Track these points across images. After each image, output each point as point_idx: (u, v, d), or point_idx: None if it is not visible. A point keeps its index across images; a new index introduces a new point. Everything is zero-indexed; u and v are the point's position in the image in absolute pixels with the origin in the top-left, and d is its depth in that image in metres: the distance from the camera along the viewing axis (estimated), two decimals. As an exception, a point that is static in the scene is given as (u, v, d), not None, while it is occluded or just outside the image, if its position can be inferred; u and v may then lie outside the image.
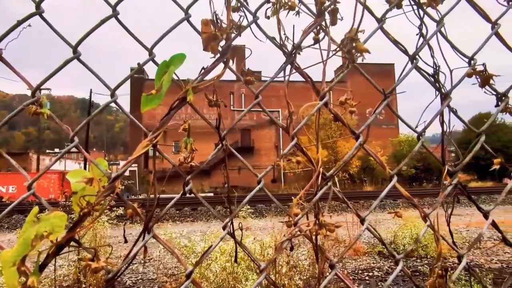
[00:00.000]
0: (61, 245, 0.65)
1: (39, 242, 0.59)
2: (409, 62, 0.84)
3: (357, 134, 0.79)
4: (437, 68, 0.87)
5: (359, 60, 0.85)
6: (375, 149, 25.79)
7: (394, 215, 0.75)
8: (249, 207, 8.01)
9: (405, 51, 0.83)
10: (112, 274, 0.67)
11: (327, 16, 0.80)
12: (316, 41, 0.80)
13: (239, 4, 0.78)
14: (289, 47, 0.81)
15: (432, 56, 0.87)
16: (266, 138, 31.29)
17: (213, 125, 0.75)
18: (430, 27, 0.87)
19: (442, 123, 0.87)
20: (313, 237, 0.71)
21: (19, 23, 0.74)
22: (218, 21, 0.69)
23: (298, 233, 0.71)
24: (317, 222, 0.66)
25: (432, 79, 0.87)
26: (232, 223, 0.73)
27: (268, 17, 0.81)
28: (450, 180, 0.82)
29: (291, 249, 0.79)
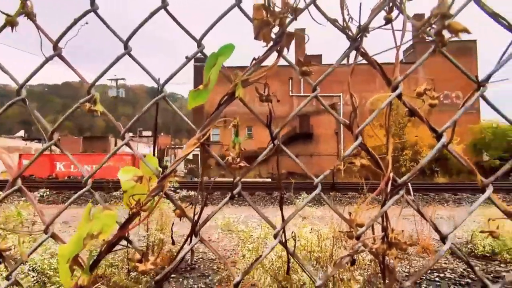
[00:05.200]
0: (112, 243, 0.65)
1: (90, 241, 0.60)
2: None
3: (440, 133, 0.65)
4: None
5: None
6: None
7: (488, 234, 0.60)
8: (306, 195, 7.89)
9: (509, 26, 0.64)
10: (160, 276, 0.65)
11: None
12: (388, 21, 0.66)
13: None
14: (354, 29, 0.69)
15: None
16: (325, 124, 30.27)
17: (264, 122, 0.67)
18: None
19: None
20: (380, 255, 0.61)
21: (76, 21, 0.75)
22: (271, 4, 0.60)
23: (362, 248, 0.61)
24: (385, 239, 0.56)
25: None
26: (284, 231, 0.66)
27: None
28: None
29: (352, 263, 0.69)
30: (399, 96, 0.65)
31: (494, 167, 23.97)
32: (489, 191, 0.61)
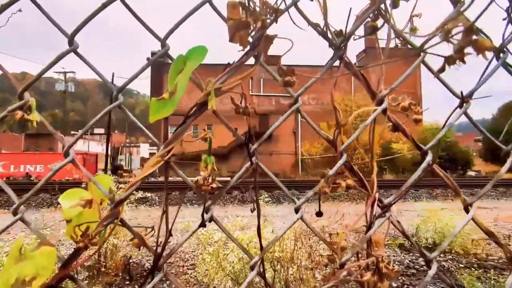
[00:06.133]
0: (52, 286, 0.53)
1: (21, 288, 0.47)
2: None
3: (425, 150, 0.62)
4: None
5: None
6: (398, 137, 24.90)
7: (473, 255, 0.58)
8: (266, 195, 7.90)
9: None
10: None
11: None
12: (374, 28, 0.61)
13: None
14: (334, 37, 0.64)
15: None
16: (284, 124, 30.82)
17: (242, 138, 0.59)
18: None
19: None
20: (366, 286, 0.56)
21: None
22: (250, 3, 0.52)
23: (347, 278, 0.55)
24: (376, 270, 0.51)
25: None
26: (262, 261, 0.58)
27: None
28: None
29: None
30: (384, 111, 0.61)
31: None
32: (472, 211, 0.59)
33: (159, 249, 0.56)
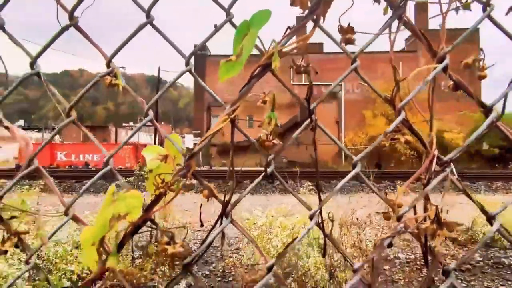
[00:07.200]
0: (138, 225, 0.61)
1: (117, 222, 0.56)
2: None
3: (489, 107, 0.60)
4: None
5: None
6: (450, 126, 22.92)
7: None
8: (309, 183, 7.86)
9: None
10: (189, 259, 0.62)
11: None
12: (434, -15, 0.61)
13: None
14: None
15: None
16: (326, 114, 30.10)
17: (300, 98, 0.63)
18: None
19: None
20: (422, 237, 0.57)
21: (92, -12, 0.69)
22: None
23: (403, 230, 0.57)
24: (436, 219, 0.52)
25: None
26: (321, 212, 0.62)
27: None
28: None
29: (389, 245, 0.66)
30: (445, 69, 0.60)
31: (493, 156, 23.67)
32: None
33: (227, 197, 0.62)
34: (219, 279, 4.38)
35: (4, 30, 0.68)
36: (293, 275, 3.80)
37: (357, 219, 4.07)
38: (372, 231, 4.75)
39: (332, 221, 0.63)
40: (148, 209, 0.62)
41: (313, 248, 4.14)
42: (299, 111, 29.56)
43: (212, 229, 0.63)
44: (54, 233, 0.71)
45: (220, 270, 4.55)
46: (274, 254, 3.99)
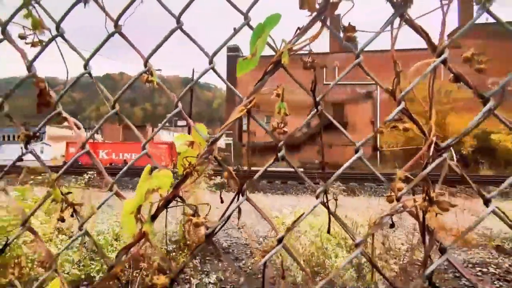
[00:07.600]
0: (168, 199, 0.73)
1: (151, 195, 0.67)
2: None
3: (487, 97, 0.64)
4: None
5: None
6: (498, 126, 21.28)
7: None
8: (340, 184, 7.77)
9: None
10: (210, 230, 0.72)
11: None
12: (435, -16, 0.66)
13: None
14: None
15: None
16: (361, 113, 29.30)
17: (307, 89, 0.71)
18: None
19: None
20: (420, 216, 0.62)
21: (133, -1, 0.82)
22: (316, -28, 0.63)
23: (401, 209, 0.63)
24: (427, 197, 0.57)
25: None
26: (326, 192, 0.69)
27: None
28: None
29: (392, 225, 0.71)
30: (444, 62, 0.65)
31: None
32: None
33: (242, 178, 0.71)
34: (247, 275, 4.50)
35: (64, 38, 0.82)
36: (321, 274, 3.83)
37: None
38: (403, 231, 4.62)
39: (336, 199, 0.70)
40: (177, 186, 0.73)
41: (342, 248, 4.14)
42: (332, 111, 29.02)
43: (229, 205, 0.72)
44: (102, 204, 0.84)
45: (249, 267, 4.67)
46: (302, 252, 4.04)
